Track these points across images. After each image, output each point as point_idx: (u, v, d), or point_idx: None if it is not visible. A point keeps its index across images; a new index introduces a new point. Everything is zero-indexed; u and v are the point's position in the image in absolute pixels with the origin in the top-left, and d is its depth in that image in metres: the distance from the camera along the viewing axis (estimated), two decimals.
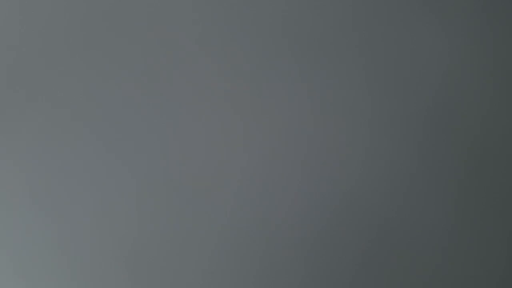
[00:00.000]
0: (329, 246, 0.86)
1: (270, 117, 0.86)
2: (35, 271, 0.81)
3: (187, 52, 0.85)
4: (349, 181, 0.87)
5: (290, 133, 0.86)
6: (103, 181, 0.83)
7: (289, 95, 0.86)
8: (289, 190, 0.86)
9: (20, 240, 0.81)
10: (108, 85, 0.84)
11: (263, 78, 0.86)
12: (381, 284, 0.87)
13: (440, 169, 0.88)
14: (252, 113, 0.86)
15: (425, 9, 0.90)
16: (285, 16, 0.87)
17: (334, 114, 0.87)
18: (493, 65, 0.90)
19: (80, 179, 0.82)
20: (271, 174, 0.85)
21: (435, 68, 0.89)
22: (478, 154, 0.89)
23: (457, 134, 0.89)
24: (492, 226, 0.89)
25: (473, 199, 0.89)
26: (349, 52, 0.88)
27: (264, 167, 0.85)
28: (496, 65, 0.90)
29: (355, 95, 0.88)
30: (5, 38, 0.82)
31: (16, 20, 0.83)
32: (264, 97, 0.86)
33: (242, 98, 0.86)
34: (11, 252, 0.81)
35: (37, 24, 0.83)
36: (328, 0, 0.88)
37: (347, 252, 0.86)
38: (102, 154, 0.83)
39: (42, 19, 0.83)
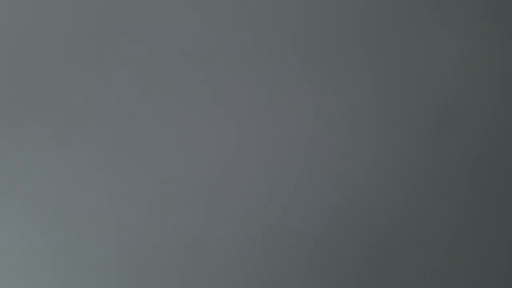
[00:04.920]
0: (336, 248, 0.86)
1: (276, 119, 0.86)
2: (40, 274, 0.81)
3: (189, 53, 0.85)
4: (355, 184, 0.87)
5: (296, 134, 0.86)
6: (110, 184, 0.83)
7: (294, 97, 0.86)
8: (295, 192, 0.86)
9: (24, 242, 0.81)
10: (110, 87, 0.84)
11: (268, 80, 0.86)
12: (386, 286, 0.87)
13: (446, 171, 0.88)
14: (257, 115, 0.86)
15: (430, 10, 0.90)
16: (290, 18, 0.87)
17: (340, 116, 0.87)
18: (500, 65, 0.90)
19: (87, 182, 0.82)
20: (277, 176, 0.85)
21: (441, 69, 0.89)
22: (484, 155, 0.89)
23: (463, 135, 0.89)
24: (499, 229, 0.89)
25: (480, 201, 0.89)
26: (355, 53, 0.88)
27: (270, 169, 0.85)
28: (503, 66, 0.90)
29: (361, 97, 0.88)
30: (5, 41, 0.82)
31: (17, 25, 0.83)
32: (270, 99, 0.86)
33: (247, 100, 0.86)
34: (16, 255, 0.81)
35: (38, 27, 0.83)
36: (333, 1, 0.88)
37: (354, 254, 0.86)
38: (109, 156, 0.83)
39: (43, 24, 0.83)
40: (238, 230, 0.85)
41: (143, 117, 0.84)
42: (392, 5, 0.89)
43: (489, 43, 0.90)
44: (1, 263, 0.81)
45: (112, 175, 0.83)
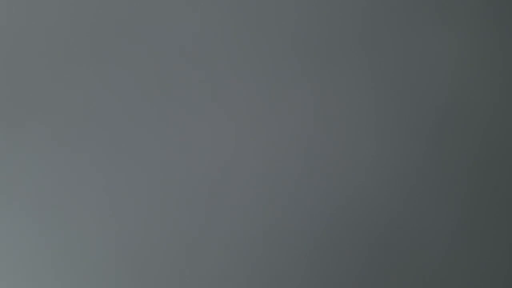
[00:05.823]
0: (336, 248, 0.86)
1: (276, 119, 0.86)
2: (40, 274, 0.81)
3: (189, 53, 0.85)
4: (355, 184, 0.87)
5: (296, 134, 0.86)
6: (110, 184, 0.83)
7: (294, 97, 0.86)
8: (295, 192, 0.86)
9: (24, 242, 0.81)
10: (110, 87, 0.84)
11: (268, 80, 0.86)
12: (386, 286, 0.87)
13: (446, 171, 0.88)
14: (257, 115, 0.86)
15: (430, 10, 0.90)
16: (290, 18, 0.87)
17: (340, 116, 0.87)
18: (500, 65, 0.90)
19: (87, 182, 0.82)
20: (277, 176, 0.85)
21: (441, 69, 0.89)
22: (484, 155, 0.89)
23: (463, 135, 0.89)
24: (499, 229, 0.89)
25: (480, 201, 0.89)
26: (355, 53, 0.88)
27: (270, 169, 0.85)
28: (503, 66, 0.90)
29: (361, 97, 0.88)
30: (5, 41, 0.82)
31: (17, 25, 0.83)
32: (270, 99, 0.86)
33: (247, 100, 0.86)
34: (16, 255, 0.81)
35: (38, 27, 0.83)
36: (333, 1, 0.88)
37: (354, 254, 0.86)
38: (109, 156, 0.83)
39: (43, 24, 0.83)
40: (238, 230, 0.85)
41: (143, 117, 0.84)
42: (392, 5, 0.89)
43: (489, 43, 0.90)
44: (1, 263, 0.81)
45: (112, 175, 0.83)
